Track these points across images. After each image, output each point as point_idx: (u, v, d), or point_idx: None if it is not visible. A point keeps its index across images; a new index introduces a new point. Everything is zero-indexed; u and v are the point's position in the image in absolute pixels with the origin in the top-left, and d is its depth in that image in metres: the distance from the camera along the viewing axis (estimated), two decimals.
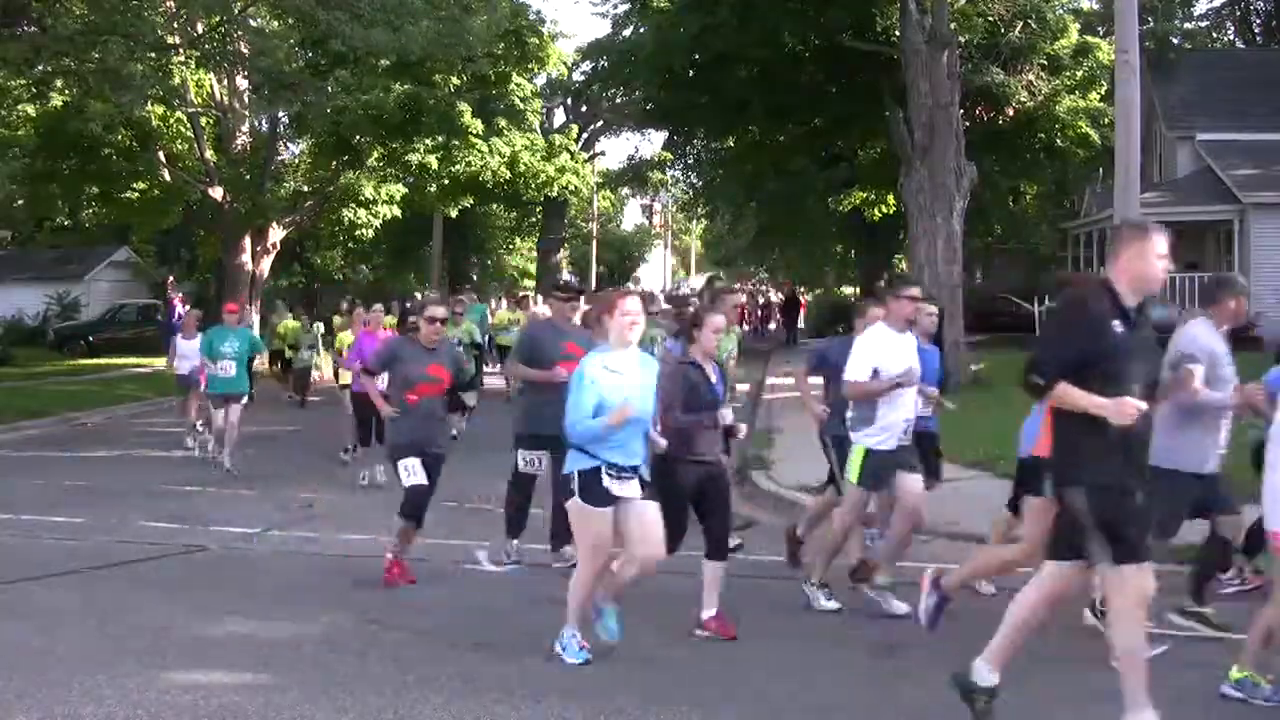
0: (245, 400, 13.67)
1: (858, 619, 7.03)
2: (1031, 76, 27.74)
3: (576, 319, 8.90)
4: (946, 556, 8.87)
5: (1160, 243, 4.87)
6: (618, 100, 39.99)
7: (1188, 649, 6.31)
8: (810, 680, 5.60)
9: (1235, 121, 29.77)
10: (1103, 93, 28.35)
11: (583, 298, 9.90)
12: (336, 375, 15.71)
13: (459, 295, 22.06)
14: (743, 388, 20.54)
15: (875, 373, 6.95)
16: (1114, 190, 14.03)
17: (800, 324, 39.62)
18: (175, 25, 22.84)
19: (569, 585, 6.09)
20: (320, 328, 21.95)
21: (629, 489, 5.97)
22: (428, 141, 29.54)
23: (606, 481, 5.89)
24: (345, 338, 14.38)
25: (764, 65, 25.99)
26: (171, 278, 34.73)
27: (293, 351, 21.55)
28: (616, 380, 5.93)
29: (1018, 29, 27.18)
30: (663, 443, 6.27)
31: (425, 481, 7.87)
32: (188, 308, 21.77)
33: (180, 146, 31.13)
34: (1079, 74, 29.08)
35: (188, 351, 14.90)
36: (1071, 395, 4.72)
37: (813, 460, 12.38)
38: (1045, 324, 22.62)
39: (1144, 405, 4.72)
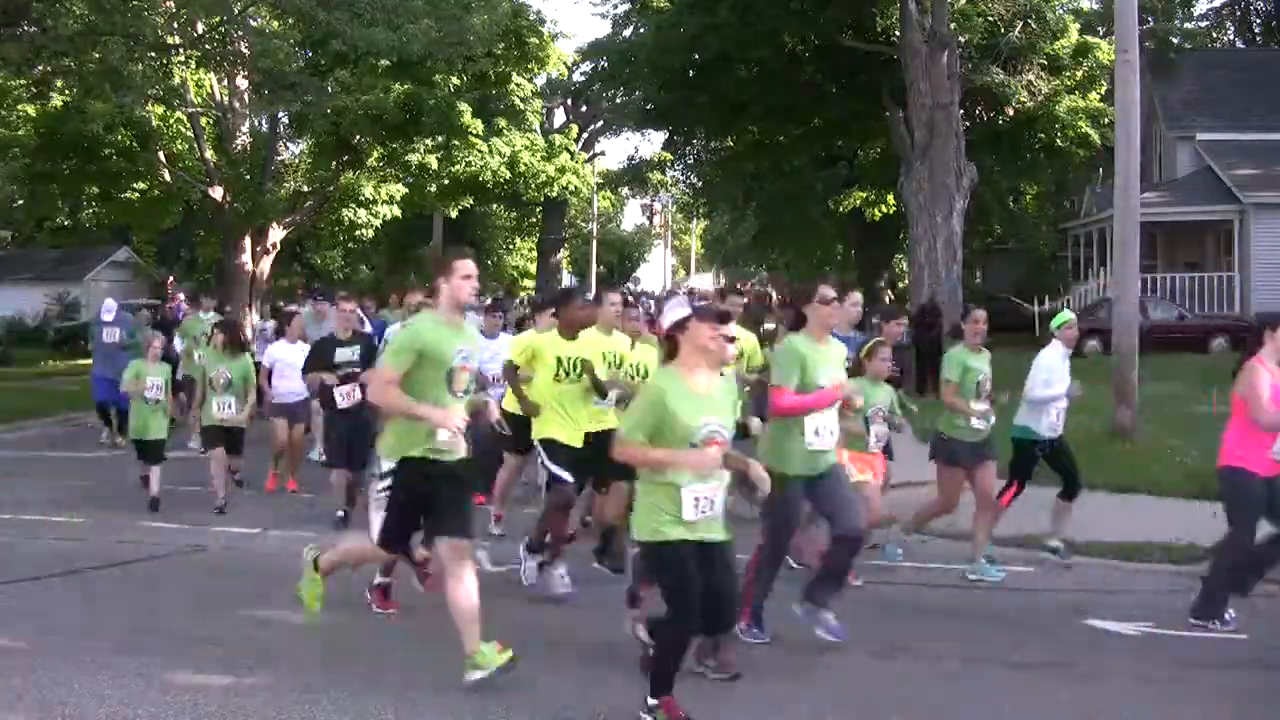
0: None
1: (859, 620, 7.02)
2: (1031, 76, 27.73)
3: None
4: (942, 555, 8.88)
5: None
6: (618, 100, 39.93)
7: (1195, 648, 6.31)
8: (810, 680, 5.59)
9: (1235, 121, 29.79)
10: (1103, 93, 28.34)
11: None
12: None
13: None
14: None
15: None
16: (1114, 190, 14.05)
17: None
18: (175, 25, 22.84)
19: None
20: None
21: None
22: (428, 141, 29.49)
23: None
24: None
25: (764, 65, 25.98)
26: (171, 278, 34.70)
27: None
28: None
29: (1018, 29, 27.17)
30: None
31: None
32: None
33: (180, 146, 31.08)
34: (1079, 74, 29.07)
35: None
36: None
37: None
38: None
39: None
